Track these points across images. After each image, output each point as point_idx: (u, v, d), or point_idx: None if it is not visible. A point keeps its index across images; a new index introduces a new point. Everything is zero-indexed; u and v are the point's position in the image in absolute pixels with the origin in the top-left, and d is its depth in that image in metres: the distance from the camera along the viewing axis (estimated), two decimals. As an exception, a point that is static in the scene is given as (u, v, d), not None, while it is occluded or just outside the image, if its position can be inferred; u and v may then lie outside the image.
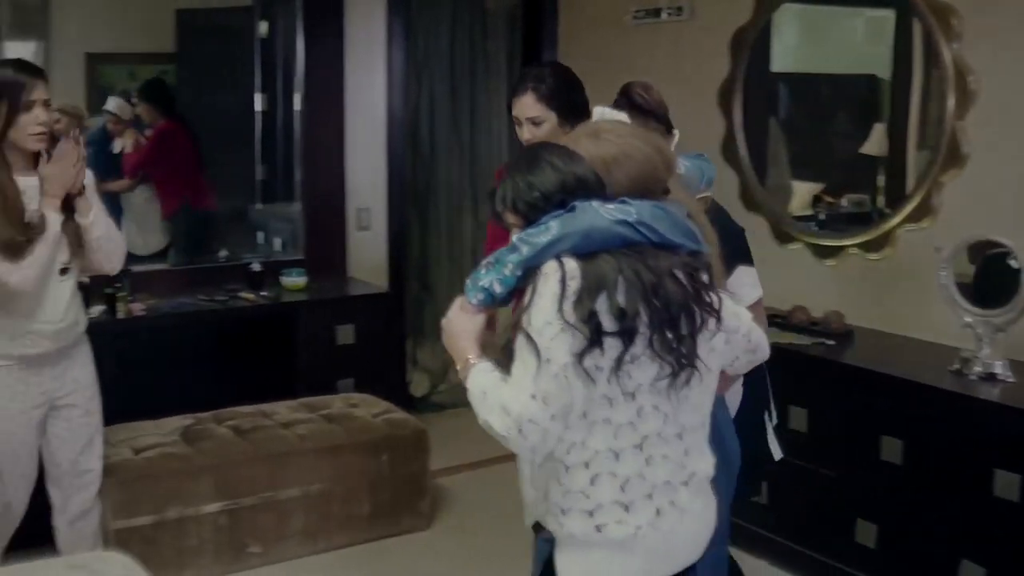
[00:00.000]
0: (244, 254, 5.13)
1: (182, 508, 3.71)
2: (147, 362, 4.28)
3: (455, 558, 4.01)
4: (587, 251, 1.92)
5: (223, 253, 5.06)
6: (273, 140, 5.58)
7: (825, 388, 3.73)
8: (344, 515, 4.02)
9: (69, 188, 3.05)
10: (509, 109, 3.08)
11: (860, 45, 4.66)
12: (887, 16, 4.36)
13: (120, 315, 4.16)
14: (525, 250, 1.96)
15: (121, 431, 3.96)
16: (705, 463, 2.10)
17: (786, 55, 4.74)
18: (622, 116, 2.43)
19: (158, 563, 3.43)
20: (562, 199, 1.99)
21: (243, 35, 5.55)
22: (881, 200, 4.35)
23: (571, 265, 1.90)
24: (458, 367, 2.06)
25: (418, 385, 5.73)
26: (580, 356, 1.88)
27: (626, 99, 2.85)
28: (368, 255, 5.26)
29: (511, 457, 4.90)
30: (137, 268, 4.61)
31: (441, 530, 4.25)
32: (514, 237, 2.01)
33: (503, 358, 1.98)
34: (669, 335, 1.94)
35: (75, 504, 3.36)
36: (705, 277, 2.03)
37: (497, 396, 1.93)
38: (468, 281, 2.06)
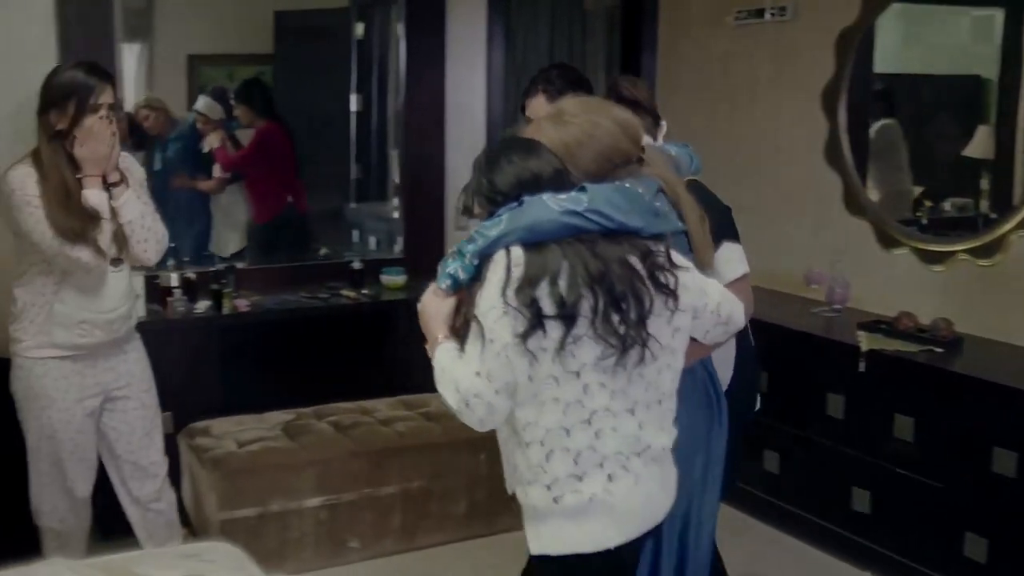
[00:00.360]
0: (343, 252, 5.20)
1: (284, 502, 3.77)
2: (250, 357, 4.35)
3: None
4: (533, 242, 2.07)
5: (323, 251, 5.13)
6: (368, 140, 5.64)
7: (933, 397, 3.64)
8: (441, 513, 4.05)
9: (104, 167, 3.11)
10: (522, 110, 3.22)
11: (965, 45, 4.56)
12: (994, 15, 4.26)
13: (225, 311, 4.26)
14: (480, 241, 2.12)
15: (225, 424, 4.05)
16: (663, 437, 2.22)
17: (889, 56, 4.64)
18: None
19: (261, 555, 3.44)
20: (519, 194, 2.13)
21: (339, 36, 5.61)
22: (986, 204, 4.24)
23: (516, 254, 2.06)
24: (427, 347, 2.22)
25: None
26: (523, 337, 2.04)
27: (614, 93, 2.94)
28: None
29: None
30: (241, 265, 4.71)
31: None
32: (471, 230, 2.18)
33: (461, 339, 2.16)
34: (615, 318, 2.08)
35: (143, 495, 3.45)
36: (662, 259, 2.15)
37: (452, 373, 2.11)
38: (439, 268, 2.23)
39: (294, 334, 4.45)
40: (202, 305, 4.29)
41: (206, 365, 4.23)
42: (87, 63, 3.19)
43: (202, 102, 5.25)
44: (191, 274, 4.39)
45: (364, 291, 4.65)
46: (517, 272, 2.05)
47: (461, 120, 5.22)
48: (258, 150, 5.27)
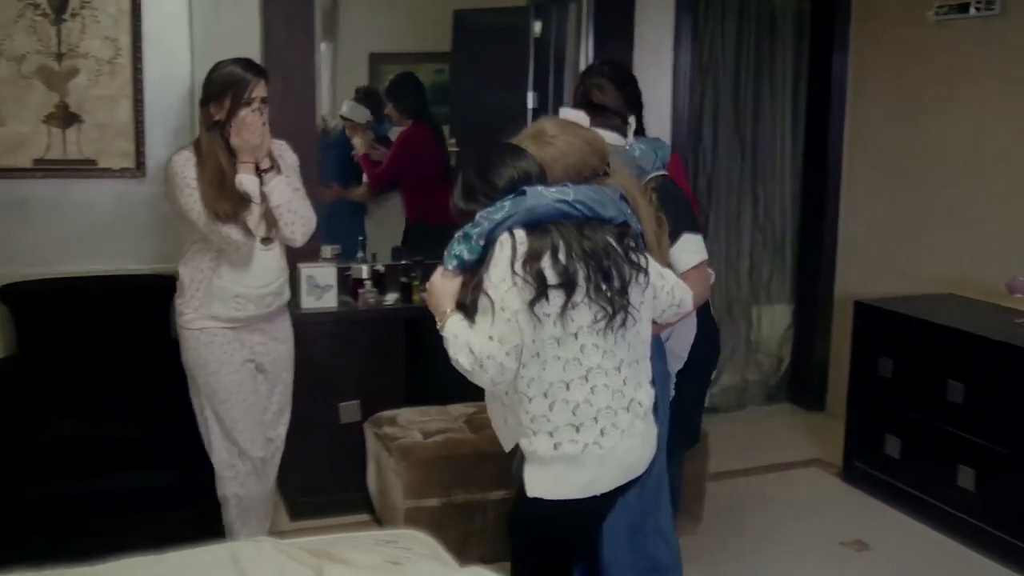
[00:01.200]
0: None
1: (467, 493, 3.83)
2: (435, 349, 4.40)
3: (724, 563, 3.98)
4: (533, 223, 2.42)
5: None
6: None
7: None
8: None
9: (256, 155, 3.33)
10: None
11: None
12: None
13: (414, 302, 4.35)
14: (485, 224, 2.44)
15: (410, 414, 4.14)
16: (643, 393, 2.60)
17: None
18: (581, 115, 2.84)
19: (443, 544, 3.55)
20: (512, 188, 2.48)
21: (517, 34, 5.65)
22: None
23: (520, 234, 2.41)
24: (437, 321, 2.54)
25: (688, 387, 5.70)
26: (531, 304, 2.40)
27: (584, 98, 3.22)
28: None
29: (785, 466, 4.85)
30: (428, 260, 4.80)
31: (711, 534, 4.21)
32: (477, 215, 2.47)
33: (470, 312, 2.48)
34: (603, 286, 2.46)
35: (256, 467, 3.60)
36: (632, 243, 2.55)
37: (464, 338, 2.44)
38: (445, 251, 2.52)
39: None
40: (391, 297, 4.40)
41: (393, 355, 4.34)
42: (243, 59, 3.39)
43: (346, 106, 5.33)
44: (380, 267, 4.51)
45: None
46: (522, 249, 2.40)
47: (646, 120, 5.15)
48: (401, 152, 5.32)
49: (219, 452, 3.52)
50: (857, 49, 5.46)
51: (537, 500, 2.54)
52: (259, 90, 3.32)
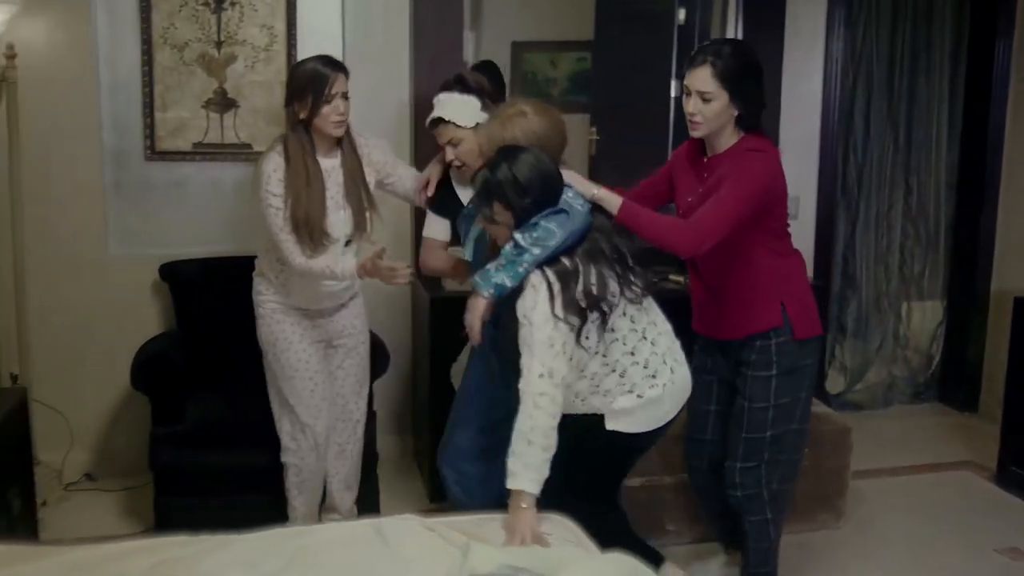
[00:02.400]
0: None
1: (662, 475, 3.87)
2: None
3: (866, 560, 3.88)
4: (566, 250, 2.63)
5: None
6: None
7: None
8: (760, 504, 3.98)
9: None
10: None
11: None
12: None
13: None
14: (537, 251, 2.59)
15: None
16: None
17: None
18: (471, 98, 3.22)
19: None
20: (542, 186, 2.64)
21: (660, 22, 5.59)
22: None
23: (551, 276, 2.58)
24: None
25: (833, 382, 5.56)
26: (577, 333, 2.61)
27: (460, 83, 3.25)
28: (796, 244, 5.13)
29: (934, 467, 4.69)
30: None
31: (854, 531, 4.11)
32: (518, 238, 2.61)
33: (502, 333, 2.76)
34: (623, 271, 2.72)
35: (340, 439, 3.69)
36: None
37: (518, 432, 2.59)
38: (478, 277, 2.67)
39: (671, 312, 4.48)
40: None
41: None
42: (323, 56, 3.39)
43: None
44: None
45: (681, 279, 4.59)
46: (556, 288, 2.57)
47: (796, 109, 5.09)
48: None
49: (283, 425, 3.58)
50: (1022, 33, 5.22)
51: (617, 434, 2.81)
52: (339, 85, 3.31)
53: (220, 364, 4.15)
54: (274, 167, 3.30)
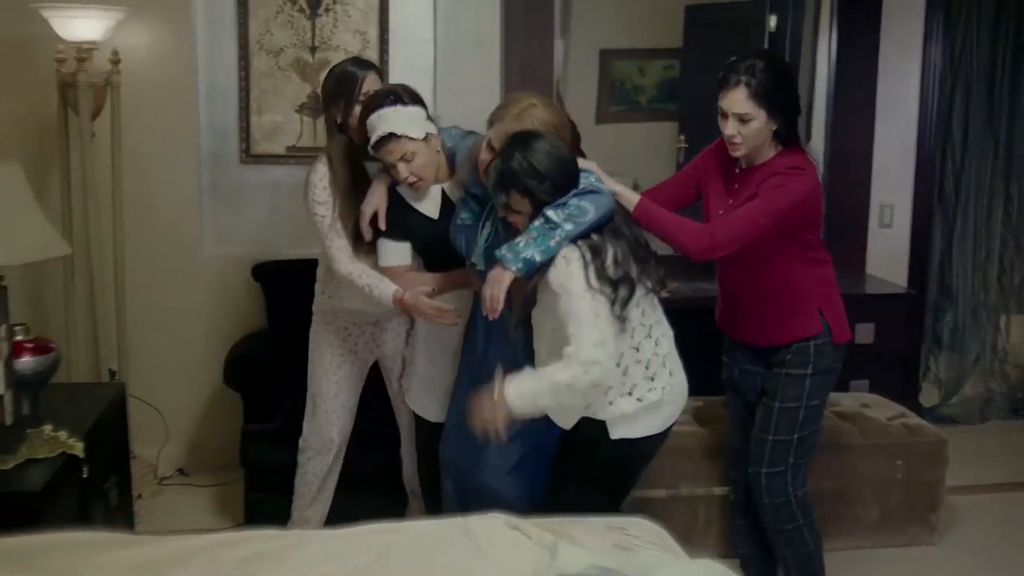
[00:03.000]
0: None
1: (693, 486, 3.81)
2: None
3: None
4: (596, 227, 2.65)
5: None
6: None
7: None
8: (850, 516, 3.91)
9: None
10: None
11: None
12: None
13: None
14: (570, 227, 2.60)
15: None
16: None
17: None
18: (416, 109, 3.04)
19: (669, 535, 3.54)
20: (560, 171, 2.65)
21: (751, 29, 5.53)
22: None
23: (584, 247, 2.60)
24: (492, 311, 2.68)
25: (928, 395, 5.43)
26: (611, 303, 2.59)
27: (398, 96, 3.03)
28: (888, 253, 5.07)
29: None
30: (663, 252, 4.77)
31: (949, 547, 4.01)
32: (551, 214, 2.61)
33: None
34: (643, 256, 2.72)
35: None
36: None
37: (553, 372, 2.58)
38: (505, 251, 2.63)
39: (707, 321, 4.43)
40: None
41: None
42: (354, 57, 3.40)
43: None
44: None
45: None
46: (588, 257, 2.59)
47: (891, 116, 5.00)
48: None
49: (305, 424, 3.59)
50: None
51: (623, 441, 2.78)
52: (369, 83, 3.23)
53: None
54: (319, 176, 3.28)
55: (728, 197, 3.07)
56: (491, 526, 2.61)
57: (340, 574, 2.35)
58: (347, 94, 3.22)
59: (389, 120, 2.98)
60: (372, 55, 4.42)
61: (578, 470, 2.88)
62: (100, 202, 4.07)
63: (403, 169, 3.03)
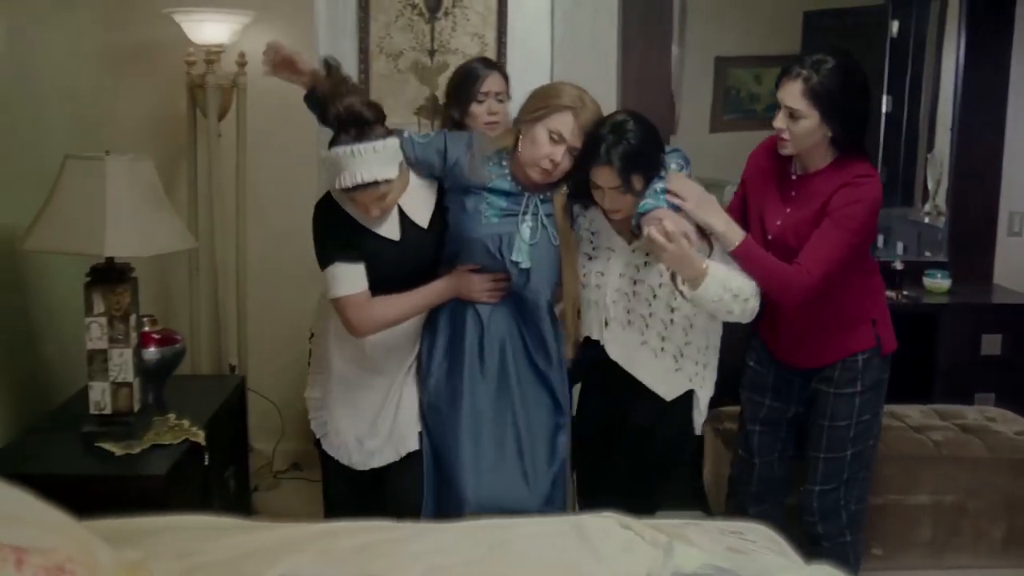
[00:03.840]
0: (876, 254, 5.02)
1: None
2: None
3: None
4: None
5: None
6: (896, 142, 5.41)
7: None
8: (975, 533, 3.77)
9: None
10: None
11: None
12: None
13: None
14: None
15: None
16: None
17: None
18: (390, 142, 2.63)
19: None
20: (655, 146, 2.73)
21: (872, 35, 5.42)
22: None
23: None
24: (690, 273, 2.64)
25: (1056, 411, 5.22)
26: None
27: (362, 126, 2.61)
28: (1018, 262, 4.88)
29: None
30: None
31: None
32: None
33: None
34: None
35: None
36: None
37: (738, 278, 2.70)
38: (648, 199, 2.67)
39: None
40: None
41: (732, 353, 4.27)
42: (482, 57, 3.35)
43: None
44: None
45: (905, 292, 4.47)
46: None
47: (1023, 123, 4.83)
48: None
49: None
50: None
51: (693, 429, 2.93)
52: (490, 83, 3.13)
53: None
54: None
55: (785, 206, 2.92)
56: (604, 524, 2.60)
57: (451, 566, 2.36)
58: (466, 92, 3.15)
59: (365, 163, 2.56)
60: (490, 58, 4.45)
61: (672, 465, 2.96)
62: (224, 199, 4.18)
63: (374, 210, 2.67)
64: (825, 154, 2.86)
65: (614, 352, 2.86)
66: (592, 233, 2.90)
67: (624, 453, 2.94)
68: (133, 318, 3.03)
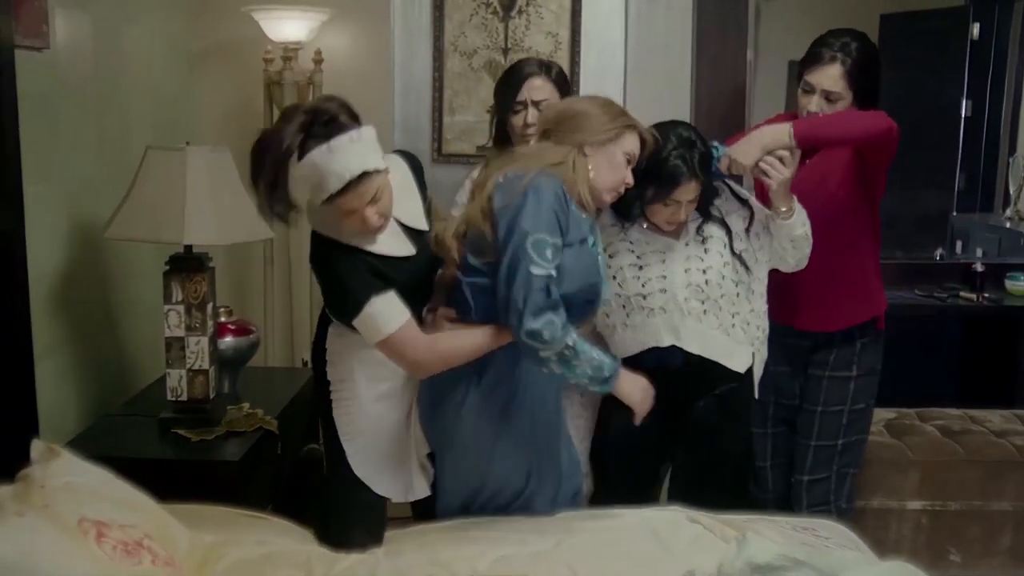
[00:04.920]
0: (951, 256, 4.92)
1: (885, 499, 3.65)
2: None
3: None
4: None
5: (939, 251, 4.89)
6: (977, 147, 5.30)
7: None
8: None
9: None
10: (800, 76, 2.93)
11: None
12: None
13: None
14: None
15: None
16: None
17: None
18: (367, 130, 2.37)
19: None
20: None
21: (951, 38, 5.32)
22: None
23: None
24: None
25: None
26: None
27: (333, 120, 2.33)
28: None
29: None
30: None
31: None
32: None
33: None
34: None
35: None
36: None
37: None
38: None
39: (904, 330, 4.27)
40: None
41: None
42: (531, 59, 3.08)
43: None
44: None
45: (986, 295, 4.37)
46: None
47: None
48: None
49: None
50: None
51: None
52: (535, 90, 2.89)
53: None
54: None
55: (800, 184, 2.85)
56: (671, 517, 2.59)
57: (520, 557, 2.37)
58: (505, 96, 2.93)
59: (349, 156, 2.28)
60: (564, 57, 4.44)
61: (737, 457, 2.94)
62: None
63: (372, 215, 2.35)
64: None
65: (694, 347, 2.81)
66: (631, 243, 2.83)
67: (687, 450, 2.90)
68: (210, 307, 3.08)
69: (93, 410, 3.19)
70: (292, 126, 2.28)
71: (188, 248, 3.06)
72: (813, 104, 2.85)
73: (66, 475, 2.08)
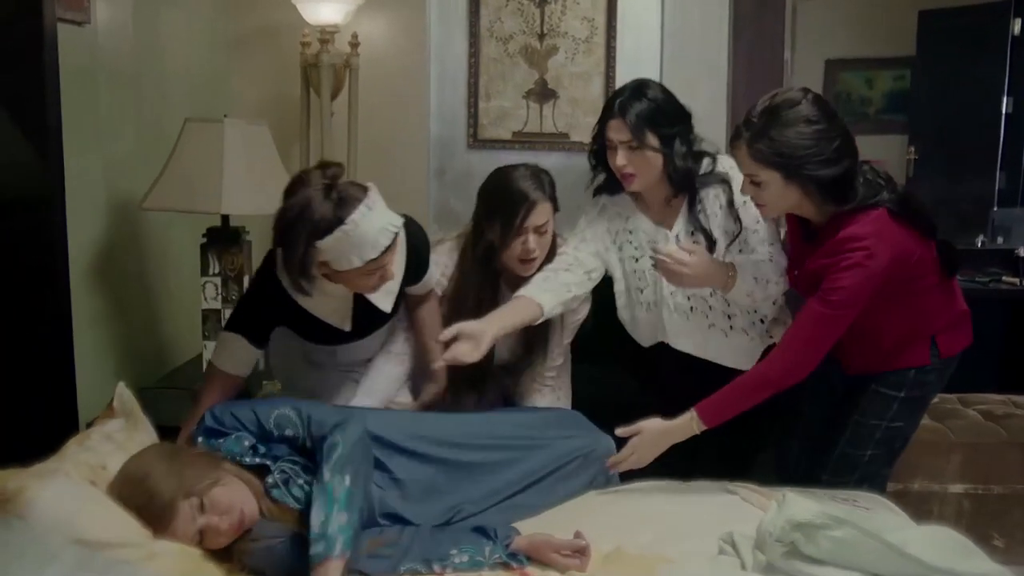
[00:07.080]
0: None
1: (927, 482, 3.59)
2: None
3: None
4: None
5: (981, 238, 4.83)
6: (1018, 144, 5.25)
7: None
8: None
9: None
10: None
11: None
12: None
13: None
14: None
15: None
16: None
17: None
18: (373, 195, 2.36)
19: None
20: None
21: (991, 34, 5.27)
22: None
23: None
24: None
25: None
26: None
27: (334, 189, 2.31)
28: None
29: None
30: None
31: None
32: None
33: None
34: None
35: None
36: None
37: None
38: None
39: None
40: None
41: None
42: (532, 167, 2.77)
43: None
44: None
45: (1028, 281, 4.31)
46: None
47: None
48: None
49: None
50: None
51: None
52: (538, 215, 2.68)
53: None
54: (441, 267, 2.85)
55: (803, 255, 2.61)
56: (705, 486, 2.57)
57: (556, 522, 2.35)
58: (507, 218, 2.65)
59: (373, 225, 2.30)
60: (599, 42, 4.43)
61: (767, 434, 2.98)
62: (335, 177, 4.24)
63: (377, 280, 2.42)
64: (819, 210, 2.52)
65: (684, 344, 2.75)
66: (629, 232, 2.80)
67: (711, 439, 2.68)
68: (246, 279, 3.08)
69: (132, 382, 3.19)
70: (317, 196, 2.25)
71: (225, 221, 3.07)
72: (746, 187, 2.53)
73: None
